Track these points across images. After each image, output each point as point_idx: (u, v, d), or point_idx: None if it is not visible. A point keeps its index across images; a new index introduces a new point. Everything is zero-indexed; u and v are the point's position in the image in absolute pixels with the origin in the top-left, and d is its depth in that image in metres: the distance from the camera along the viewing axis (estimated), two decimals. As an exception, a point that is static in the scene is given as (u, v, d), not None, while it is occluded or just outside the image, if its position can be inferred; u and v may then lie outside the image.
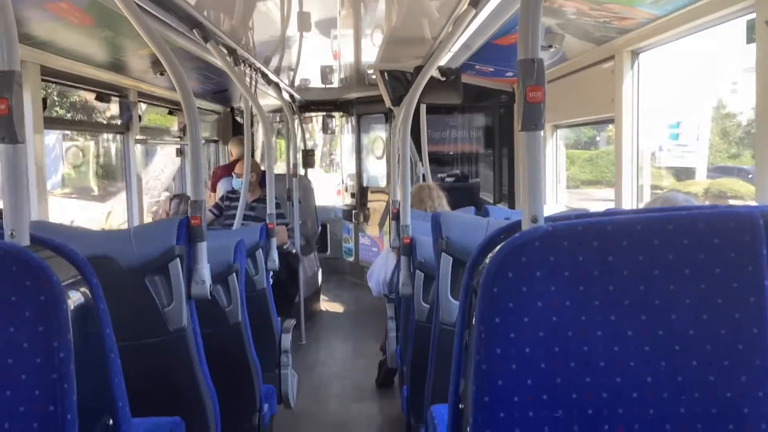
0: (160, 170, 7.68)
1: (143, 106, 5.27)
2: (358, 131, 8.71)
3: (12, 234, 1.35)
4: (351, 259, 8.77)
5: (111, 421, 1.53)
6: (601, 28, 3.39)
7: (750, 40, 2.40)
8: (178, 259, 2.32)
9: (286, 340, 3.80)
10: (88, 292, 1.47)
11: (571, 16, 3.27)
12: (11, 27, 1.34)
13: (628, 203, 3.57)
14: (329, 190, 8.49)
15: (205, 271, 2.40)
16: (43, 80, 3.53)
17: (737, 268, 1.14)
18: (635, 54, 3.49)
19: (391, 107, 5.25)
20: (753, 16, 2.36)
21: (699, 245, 1.15)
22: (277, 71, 5.75)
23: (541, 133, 1.28)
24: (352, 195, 8.78)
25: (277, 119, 9.01)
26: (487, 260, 1.20)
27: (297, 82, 7.04)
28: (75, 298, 1.43)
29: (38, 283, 1.20)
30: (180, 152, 6.63)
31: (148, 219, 5.50)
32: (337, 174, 10.56)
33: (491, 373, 1.14)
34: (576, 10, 3.15)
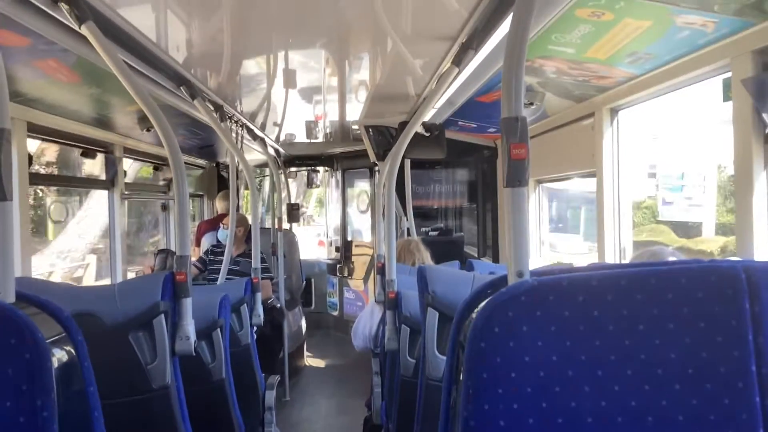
0: (86, 226, 6.51)
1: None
2: (343, 185, 8.76)
3: None
4: (335, 313, 8.72)
5: None
6: (581, 86, 3.47)
7: (726, 98, 2.46)
8: (162, 315, 2.30)
9: (270, 396, 3.75)
10: (72, 350, 1.45)
11: (551, 75, 3.35)
12: (2, 86, 1.36)
13: (611, 257, 3.59)
14: (307, 242, 8.46)
15: (189, 327, 2.37)
16: (29, 137, 3.54)
17: (721, 322, 1.16)
18: (614, 111, 3.56)
19: (376, 162, 5.30)
20: (729, 74, 2.43)
21: (683, 299, 1.16)
22: (263, 127, 5.81)
23: (526, 189, 1.30)
24: (337, 249, 8.78)
25: (263, 173, 9.05)
26: (473, 315, 1.20)
27: (282, 137, 7.10)
28: (59, 356, 1.41)
29: (23, 342, 1.19)
30: (165, 207, 6.63)
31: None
32: (312, 227, 10.57)
33: (480, 429, 1.13)
34: (556, 70, 3.23)
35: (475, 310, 1.22)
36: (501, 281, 1.30)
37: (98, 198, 5.67)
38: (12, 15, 2.06)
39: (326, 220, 9.72)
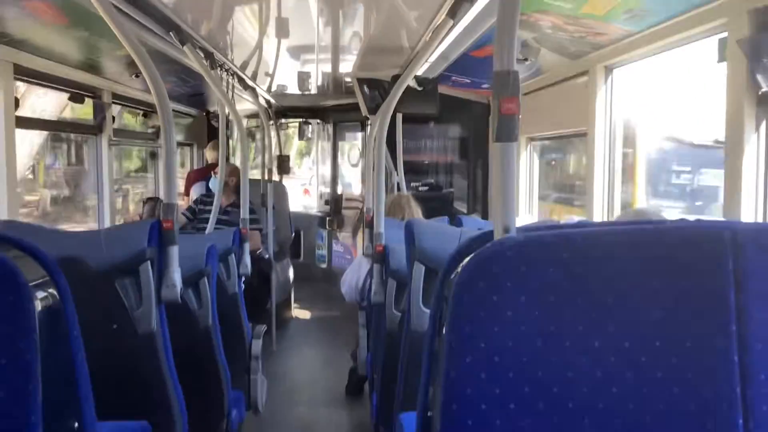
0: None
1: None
2: (335, 139, 8.71)
3: None
4: (324, 265, 8.76)
5: (76, 424, 1.51)
6: (576, 42, 3.43)
7: (722, 58, 2.45)
8: (149, 262, 2.30)
9: (257, 345, 3.78)
10: (56, 293, 1.45)
11: (547, 30, 3.31)
12: None
13: (599, 216, 3.61)
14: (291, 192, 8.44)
15: (176, 274, 2.38)
16: (16, 79, 3.48)
17: (703, 282, 1.16)
18: (609, 69, 3.53)
19: (368, 116, 5.26)
20: (725, 35, 2.41)
21: (666, 258, 1.17)
22: (254, 76, 5.74)
23: (515, 144, 1.29)
24: (326, 202, 8.77)
25: (253, 124, 8.98)
26: (459, 269, 1.21)
27: (274, 88, 7.03)
28: (43, 299, 1.41)
29: (4, 283, 1.18)
30: (153, 155, 6.58)
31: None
32: (294, 179, 10.54)
33: (460, 381, 1.14)
34: (552, 25, 3.19)
35: (461, 265, 1.22)
36: (487, 236, 1.29)
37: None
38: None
39: (317, 172, 9.70)
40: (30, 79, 3.84)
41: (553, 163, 5.66)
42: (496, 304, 1.14)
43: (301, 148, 11.71)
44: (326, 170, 9.03)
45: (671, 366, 1.16)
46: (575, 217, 4.22)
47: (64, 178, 6.04)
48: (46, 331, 1.34)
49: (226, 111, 4.68)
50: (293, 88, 7.06)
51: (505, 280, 1.15)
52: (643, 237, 1.18)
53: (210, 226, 4.50)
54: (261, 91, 6.53)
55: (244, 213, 4.42)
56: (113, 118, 4.98)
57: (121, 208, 6.44)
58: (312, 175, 10.43)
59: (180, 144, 7.55)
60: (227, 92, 4.69)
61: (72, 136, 5.82)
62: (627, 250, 1.17)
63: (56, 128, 5.19)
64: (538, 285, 1.15)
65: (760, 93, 2.26)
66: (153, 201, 4.95)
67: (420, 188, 6.74)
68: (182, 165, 8.00)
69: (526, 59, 3.90)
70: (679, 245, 1.17)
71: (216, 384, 3.06)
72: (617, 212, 3.63)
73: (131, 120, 6.32)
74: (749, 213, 2.30)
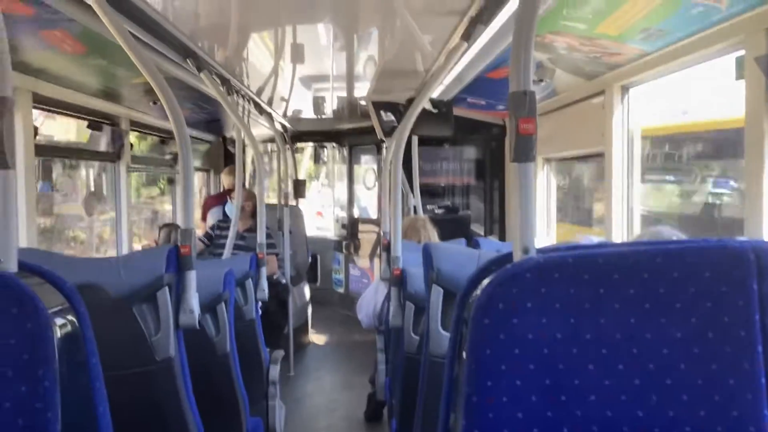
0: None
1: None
2: (350, 162, 8.74)
3: (0, 261, 1.34)
4: (341, 290, 8.74)
5: None
6: (592, 63, 3.43)
7: (740, 76, 2.43)
8: (166, 288, 2.30)
9: (275, 371, 3.76)
10: (75, 320, 1.45)
11: (562, 51, 3.31)
12: (4, 54, 1.34)
13: (619, 237, 3.58)
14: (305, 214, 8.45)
15: (193, 300, 2.38)
16: (34, 107, 3.53)
17: (728, 303, 1.14)
18: (625, 89, 3.52)
19: (383, 138, 5.28)
20: (742, 52, 2.39)
21: (689, 279, 1.15)
22: (270, 101, 5.78)
23: (533, 164, 1.28)
24: (343, 226, 8.78)
25: (269, 149, 9.03)
26: (478, 291, 1.19)
27: (289, 113, 7.07)
28: (62, 326, 1.41)
29: (25, 311, 1.19)
30: (171, 181, 6.63)
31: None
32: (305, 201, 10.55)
33: (481, 406, 1.12)
34: (567, 46, 3.19)
35: (480, 287, 1.21)
36: (506, 258, 1.28)
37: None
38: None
39: (332, 196, 9.71)
40: (48, 108, 3.89)
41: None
42: (517, 326, 1.13)
43: (310, 171, 11.74)
44: (342, 194, 9.05)
45: (697, 388, 1.13)
46: (594, 238, 4.18)
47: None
48: (65, 357, 1.34)
49: (243, 136, 4.71)
50: (308, 113, 7.11)
51: (525, 302, 1.13)
52: (666, 257, 1.16)
53: (227, 251, 4.51)
54: (276, 115, 6.57)
55: (261, 237, 4.42)
56: (131, 145, 5.03)
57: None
58: (325, 198, 10.45)
59: (197, 169, 7.60)
60: (243, 118, 4.72)
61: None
62: (649, 270, 1.15)
63: (75, 156, 5.25)
64: (559, 307, 1.14)
65: (779, 110, 2.24)
66: (168, 227, 4.97)
67: (436, 210, 6.73)
68: (199, 191, 8.05)
69: (541, 80, 3.89)
70: (701, 265, 1.15)
71: (234, 410, 3.04)
72: (636, 232, 3.60)
73: (136, 143, 6.33)
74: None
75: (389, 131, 5.08)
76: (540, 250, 1.26)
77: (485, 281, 1.19)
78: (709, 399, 1.13)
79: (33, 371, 1.18)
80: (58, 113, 4.14)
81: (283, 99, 5.99)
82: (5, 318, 1.18)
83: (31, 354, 1.18)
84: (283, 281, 5.82)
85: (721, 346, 1.14)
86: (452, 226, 5.86)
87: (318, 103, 6.44)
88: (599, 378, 1.13)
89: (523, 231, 1.26)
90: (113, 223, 5.17)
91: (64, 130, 4.88)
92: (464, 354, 1.17)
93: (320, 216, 10.44)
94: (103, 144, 4.74)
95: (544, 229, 5.16)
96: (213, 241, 5.53)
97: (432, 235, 4.25)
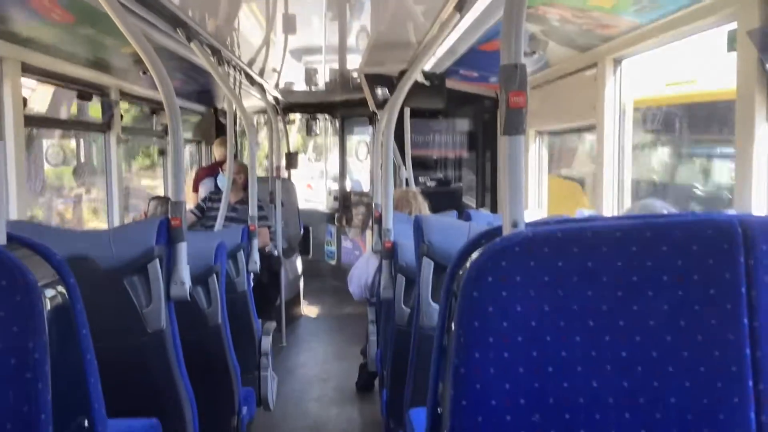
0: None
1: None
2: (342, 134, 8.71)
3: None
4: (333, 262, 8.76)
5: (86, 422, 1.52)
6: (584, 35, 3.41)
7: (731, 48, 2.42)
8: (157, 260, 2.30)
9: (266, 342, 3.78)
10: (65, 292, 1.46)
11: (555, 23, 3.29)
12: None
13: (609, 210, 3.59)
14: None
15: (184, 272, 2.38)
16: (23, 77, 3.49)
17: (715, 275, 1.15)
18: (617, 61, 3.51)
19: (375, 111, 5.25)
20: (734, 25, 2.38)
21: (677, 252, 1.16)
22: (262, 73, 5.74)
23: (523, 138, 1.28)
24: (335, 198, 8.78)
25: (261, 121, 8.98)
26: (467, 264, 1.20)
27: (281, 84, 7.02)
28: (52, 298, 1.41)
29: (14, 283, 1.19)
30: (162, 152, 6.59)
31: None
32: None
33: (469, 377, 1.14)
34: (559, 17, 3.17)
35: (469, 260, 1.22)
36: (496, 231, 1.29)
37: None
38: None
39: (325, 168, 9.70)
40: (37, 77, 3.85)
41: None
42: (505, 299, 1.14)
43: (298, 145, 11.69)
44: (334, 166, 9.03)
45: (683, 360, 1.15)
46: (585, 211, 4.19)
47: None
48: (56, 330, 1.34)
49: (234, 108, 4.68)
50: (300, 85, 7.06)
51: (514, 275, 1.14)
52: (654, 231, 1.17)
53: (219, 224, 4.51)
54: (268, 87, 6.53)
55: (253, 210, 4.42)
56: (121, 115, 4.99)
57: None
58: (316, 171, 10.43)
59: (188, 141, 7.55)
60: (235, 89, 4.69)
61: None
62: (637, 244, 1.16)
63: (65, 127, 5.21)
64: (547, 279, 1.14)
65: (770, 83, 2.24)
66: (157, 199, 4.95)
67: (428, 183, 6.73)
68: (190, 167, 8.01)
69: (533, 52, 3.88)
70: (689, 239, 1.16)
71: (226, 381, 3.06)
72: (627, 206, 3.61)
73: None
74: (761, 205, 2.28)
75: (381, 103, 5.06)
76: (529, 224, 1.26)
77: (474, 254, 1.19)
78: (694, 371, 1.15)
79: (23, 343, 1.18)
80: (47, 83, 4.10)
81: (274, 70, 5.94)
82: None
83: (20, 326, 1.18)
84: (275, 253, 5.83)
85: (706, 318, 1.15)
86: (444, 199, 5.88)
87: (310, 75, 6.39)
88: (586, 349, 1.15)
89: (512, 205, 1.27)
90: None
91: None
92: (453, 326, 1.18)
93: (310, 189, 10.44)
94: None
95: (536, 203, 5.18)
96: (205, 213, 5.51)
97: (423, 207, 4.25)
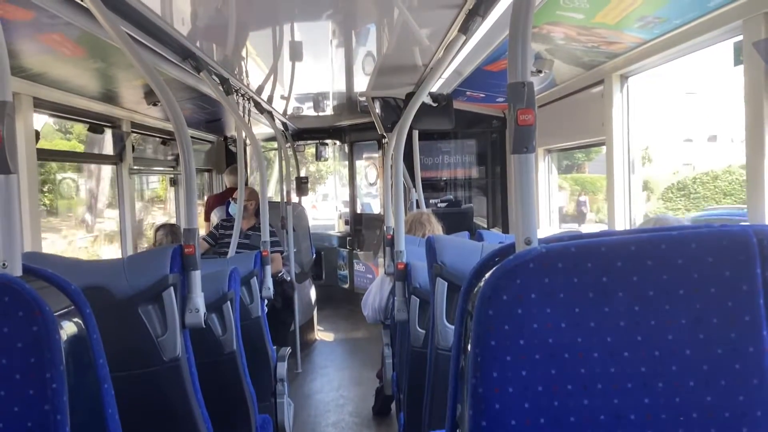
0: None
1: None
2: (352, 158, 8.74)
3: (4, 265, 1.35)
4: (346, 286, 8.75)
5: None
6: (590, 53, 3.42)
7: (738, 62, 2.42)
8: (171, 288, 2.31)
9: (282, 368, 3.77)
10: (81, 322, 1.46)
11: (560, 41, 3.31)
12: (3, 59, 1.35)
13: (621, 225, 3.58)
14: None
15: (199, 299, 2.38)
16: (35, 112, 3.54)
17: (732, 287, 1.14)
18: (624, 78, 3.52)
19: (384, 134, 5.27)
20: (740, 38, 2.39)
21: (693, 265, 1.15)
22: (270, 100, 5.78)
23: (533, 155, 1.28)
24: (346, 222, 8.79)
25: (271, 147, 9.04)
26: (481, 283, 1.20)
27: (290, 111, 7.07)
28: (68, 328, 1.42)
29: (31, 314, 1.19)
30: (173, 182, 6.63)
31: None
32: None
33: (488, 396, 1.13)
34: (564, 36, 3.18)
35: (483, 279, 1.21)
36: (509, 249, 1.28)
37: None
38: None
39: (335, 193, 9.73)
40: (50, 112, 3.90)
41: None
42: (521, 316, 1.13)
43: (311, 168, 11.77)
44: (344, 190, 9.07)
45: (703, 373, 1.14)
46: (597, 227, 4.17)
47: None
48: (72, 360, 1.35)
49: (244, 135, 4.71)
50: (309, 110, 7.11)
51: (530, 292, 1.14)
52: (669, 244, 1.16)
53: (231, 250, 4.52)
54: (277, 114, 6.58)
55: (265, 236, 4.43)
56: (132, 147, 5.03)
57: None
58: (319, 193, 10.53)
59: (199, 170, 7.61)
60: (244, 117, 4.72)
61: None
62: (652, 257, 1.15)
63: (77, 160, 5.25)
64: (563, 296, 1.14)
65: (779, 94, 2.24)
66: (164, 227, 4.97)
67: (439, 204, 6.73)
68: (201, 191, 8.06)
69: (540, 71, 3.89)
70: (705, 251, 1.15)
71: (243, 409, 3.05)
72: (638, 220, 3.60)
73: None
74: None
75: (390, 126, 5.09)
76: (542, 240, 1.26)
77: (488, 273, 1.19)
78: (715, 384, 1.14)
79: (40, 374, 1.18)
80: (59, 117, 4.15)
81: (283, 97, 5.99)
82: (11, 322, 1.19)
83: (38, 357, 1.18)
84: (288, 279, 5.84)
85: (726, 331, 1.14)
86: (455, 220, 5.86)
87: (318, 100, 6.44)
88: (605, 366, 1.14)
89: (524, 222, 1.26)
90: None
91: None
92: (469, 346, 1.17)
93: (315, 209, 10.52)
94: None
95: (548, 220, 5.16)
96: (218, 241, 5.53)
97: (437, 229, 4.25)
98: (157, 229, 4.97)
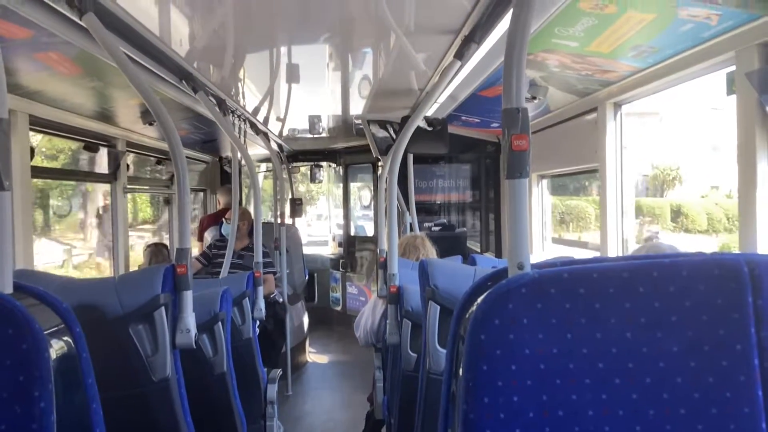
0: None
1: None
2: (346, 180, 8.76)
3: None
4: (338, 308, 8.72)
5: None
6: (584, 80, 3.45)
7: (730, 91, 2.45)
8: (163, 308, 2.30)
9: (272, 390, 3.75)
10: (70, 341, 1.45)
11: (555, 69, 3.34)
12: (0, 76, 1.35)
13: (614, 251, 3.59)
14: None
15: (190, 319, 2.37)
16: (31, 130, 3.54)
17: (723, 316, 1.15)
18: (617, 105, 3.55)
19: (379, 157, 5.29)
20: (733, 68, 2.42)
21: (685, 292, 1.15)
22: (266, 121, 5.80)
23: (527, 181, 1.29)
24: (340, 244, 8.78)
25: (265, 168, 9.05)
26: (474, 307, 1.20)
27: (285, 132, 7.10)
28: (57, 347, 1.41)
29: (20, 332, 1.18)
30: (167, 201, 6.63)
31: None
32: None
33: (479, 422, 1.12)
34: (559, 63, 3.21)
35: (475, 303, 1.21)
36: (501, 273, 1.29)
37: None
38: (13, 6, 2.05)
39: (329, 214, 9.74)
40: (45, 130, 3.90)
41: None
42: (513, 341, 1.13)
43: (305, 190, 11.81)
44: (338, 212, 9.08)
45: (694, 402, 1.14)
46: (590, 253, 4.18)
47: None
48: (61, 378, 1.34)
49: (239, 156, 4.72)
50: (304, 132, 7.13)
51: (521, 317, 1.14)
52: (661, 271, 1.17)
53: (224, 271, 4.51)
54: (272, 135, 6.59)
55: (258, 256, 4.42)
56: (128, 166, 5.03)
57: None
58: (312, 213, 10.55)
59: (193, 190, 7.61)
60: (239, 138, 4.73)
61: None
62: (645, 284, 1.16)
63: (71, 178, 5.25)
64: (555, 322, 1.14)
65: (771, 124, 2.26)
66: (153, 247, 4.95)
67: (432, 228, 6.73)
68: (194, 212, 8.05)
69: (534, 98, 3.92)
70: (696, 279, 1.16)
71: (232, 430, 3.03)
72: (631, 246, 3.61)
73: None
74: (765, 244, 2.28)
75: (385, 149, 5.10)
76: (535, 266, 1.26)
77: (481, 297, 1.19)
78: (706, 412, 1.14)
79: (29, 392, 1.17)
80: (54, 135, 4.15)
81: (278, 119, 6.01)
82: (0, 339, 1.18)
83: (26, 375, 1.18)
84: (281, 300, 5.81)
85: (717, 359, 1.14)
86: (448, 244, 5.86)
87: (313, 123, 6.46)
88: (596, 392, 1.14)
89: (517, 247, 1.27)
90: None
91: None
92: (461, 370, 1.17)
93: (309, 227, 10.54)
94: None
95: (541, 245, 5.17)
96: (211, 261, 5.52)
97: (431, 252, 4.24)
98: (146, 248, 4.96)
